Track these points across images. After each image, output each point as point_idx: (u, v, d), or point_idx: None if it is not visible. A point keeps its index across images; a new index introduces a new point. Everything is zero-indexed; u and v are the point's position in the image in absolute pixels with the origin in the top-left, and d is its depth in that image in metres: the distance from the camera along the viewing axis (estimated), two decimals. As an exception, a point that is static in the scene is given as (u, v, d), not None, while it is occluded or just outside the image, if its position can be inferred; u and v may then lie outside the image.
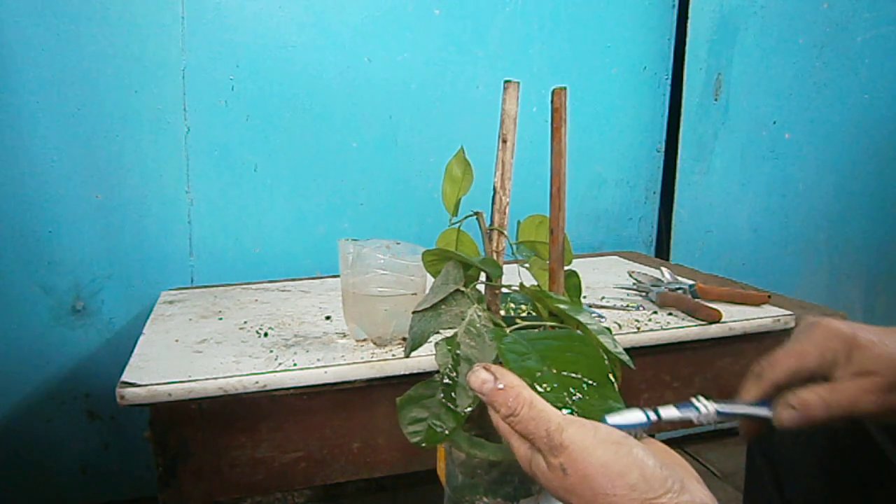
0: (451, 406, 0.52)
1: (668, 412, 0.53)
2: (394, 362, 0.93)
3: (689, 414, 0.53)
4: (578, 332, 0.55)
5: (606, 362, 0.51)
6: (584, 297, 1.10)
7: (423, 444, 0.53)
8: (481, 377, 0.47)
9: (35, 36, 1.25)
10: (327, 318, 1.14)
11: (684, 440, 1.85)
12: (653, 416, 0.51)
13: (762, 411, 0.57)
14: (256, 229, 1.45)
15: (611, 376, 0.50)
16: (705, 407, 0.53)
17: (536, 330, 0.57)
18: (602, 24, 1.58)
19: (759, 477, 0.81)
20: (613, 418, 0.48)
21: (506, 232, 0.63)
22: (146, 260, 1.39)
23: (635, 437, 0.46)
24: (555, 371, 0.49)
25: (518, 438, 0.47)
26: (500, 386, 0.46)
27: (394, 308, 0.96)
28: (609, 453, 0.42)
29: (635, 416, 0.50)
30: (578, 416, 0.46)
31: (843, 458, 0.72)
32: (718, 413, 0.53)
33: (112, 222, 1.36)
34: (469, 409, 0.52)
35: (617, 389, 0.49)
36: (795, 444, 0.76)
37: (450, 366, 0.54)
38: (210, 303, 1.23)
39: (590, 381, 0.49)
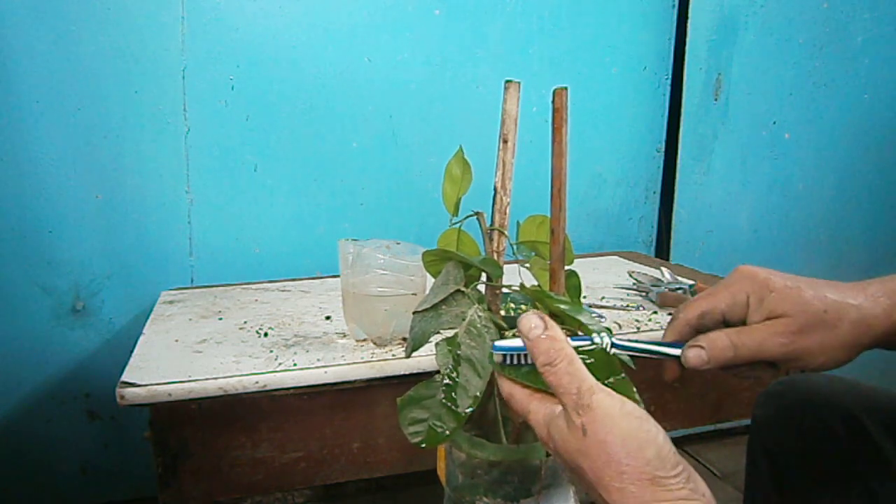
0: (452, 406, 0.52)
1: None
2: (394, 362, 0.93)
3: (582, 343, 0.50)
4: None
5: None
6: (584, 297, 1.10)
7: (424, 445, 0.53)
8: (532, 322, 0.47)
9: (35, 36, 1.25)
10: (327, 318, 1.14)
11: (684, 440, 1.85)
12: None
13: (672, 350, 0.56)
14: (256, 229, 1.45)
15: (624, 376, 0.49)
16: (600, 338, 0.51)
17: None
18: (602, 24, 1.58)
19: (759, 477, 0.81)
20: (501, 342, 0.49)
21: (506, 232, 0.63)
22: (146, 260, 1.39)
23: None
24: None
25: (540, 400, 0.47)
26: (545, 335, 0.46)
27: (394, 308, 0.96)
28: (632, 426, 0.42)
29: (518, 341, 0.49)
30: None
31: (843, 457, 0.72)
32: (614, 345, 0.51)
33: (112, 222, 1.36)
34: (469, 409, 0.52)
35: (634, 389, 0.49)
36: (794, 444, 0.76)
37: (450, 366, 0.54)
38: (210, 303, 1.23)
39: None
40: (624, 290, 1.29)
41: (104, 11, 1.28)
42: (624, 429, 0.42)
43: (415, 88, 1.49)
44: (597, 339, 0.51)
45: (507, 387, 0.50)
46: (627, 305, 1.19)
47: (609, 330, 0.53)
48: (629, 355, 0.54)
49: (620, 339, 0.52)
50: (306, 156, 1.45)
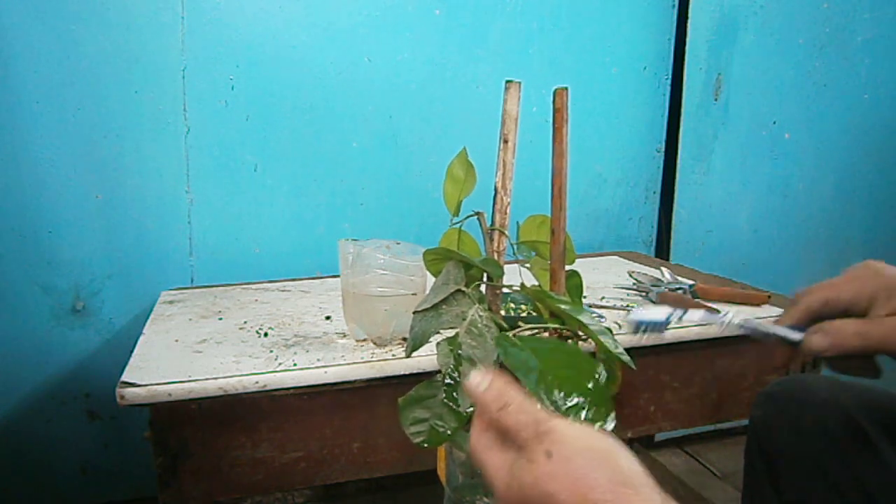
0: (454, 406, 0.52)
1: (694, 315, 0.56)
2: (394, 362, 0.93)
3: (713, 319, 0.56)
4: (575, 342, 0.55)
5: (601, 377, 0.51)
6: (585, 297, 1.10)
7: (426, 445, 0.53)
8: (476, 379, 0.48)
9: (35, 36, 1.25)
10: (327, 318, 1.14)
11: (684, 440, 1.86)
12: (675, 317, 0.54)
13: (792, 334, 0.58)
14: (256, 229, 1.45)
15: (610, 398, 0.50)
16: (727, 317, 0.56)
17: (536, 332, 0.57)
18: (602, 24, 1.58)
19: (756, 478, 0.81)
20: (637, 312, 0.53)
21: (507, 232, 0.63)
22: (146, 260, 1.39)
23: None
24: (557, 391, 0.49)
25: (497, 452, 0.46)
26: (492, 387, 0.47)
27: (394, 308, 0.96)
28: (594, 440, 0.43)
29: (660, 311, 0.54)
30: None
31: (841, 458, 0.72)
32: (741, 327, 0.56)
33: (112, 222, 1.36)
34: (471, 408, 0.52)
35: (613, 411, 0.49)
36: (793, 445, 0.77)
37: (451, 366, 0.54)
38: (210, 303, 1.23)
39: (590, 406, 0.49)
40: (624, 290, 1.29)
41: (104, 11, 1.28)
42: (586, 444, 0.43)
43: (415, 88, 1.49)
44: (724, 318, 0.56)
45: (473, 439, 0.48)
46: (627, 305, 1.19)
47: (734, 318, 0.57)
48: (748, 335, 0.57)
49: (749, 321, 0.57)
50: (306, 156, 1.45)
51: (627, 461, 0.42)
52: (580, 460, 0.41)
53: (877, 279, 0.57)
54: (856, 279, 0.58)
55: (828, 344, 0.56)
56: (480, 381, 0.48)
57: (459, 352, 0.55)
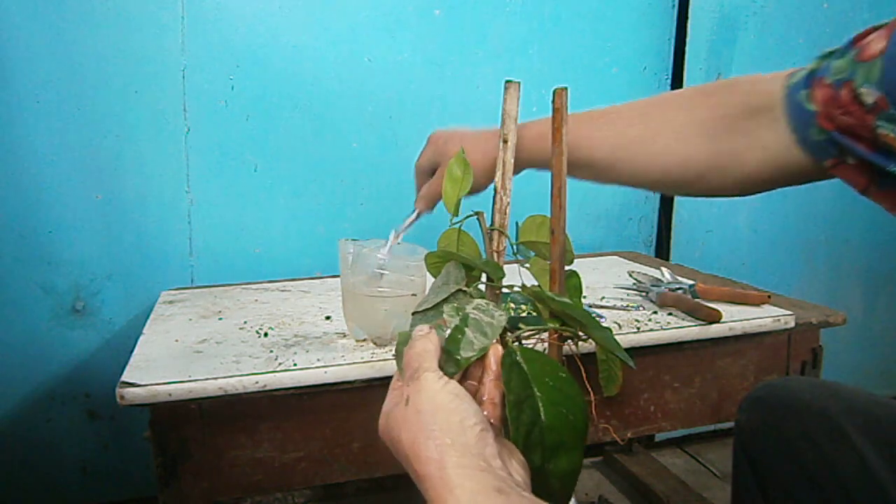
0: (454, 353, 0.52)
1: None
2: (394, 362, 0.93)
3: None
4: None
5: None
6: (584, 297, 1.10)
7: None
8: (420, 327, 0.54)
9: (35, 36, 1.25)
10: (327, 318, 1.14)
11: (684, 440, 1.85)
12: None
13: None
14: (256, 229, 1.45)
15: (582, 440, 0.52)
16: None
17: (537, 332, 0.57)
18: (602, 24, 1.58)
19: (744, 482, 0.82)
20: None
21: (506, 232, 0.64)
22: (146, 260, 1.39)
23: None
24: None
25: (394, 390, 0.52)
26: (422, 334, 0.53)
27: (394, 308, 0.96)
28: (447, 399, 0.46)
29: None
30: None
31: (826, 464, 0.72)
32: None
33: (112, 222, 1.36)
34: (471, 357, 0.53)
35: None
36: (777, 449, 0.77)
37: (458, 323, 0.54)
38: (210, 303, 1.23)
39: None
40: (624, 290, 1.29)
41: (104, 11, 1.28)
42: (439, 401, 0.46)
43: (415, 88, 1.49)
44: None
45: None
46: (627, 305, 1.19)
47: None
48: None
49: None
50: (306, 156, 1.45)
51: (467, 423, 0.45)
52: (427, 415, 0.46)
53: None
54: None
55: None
56: (421, 328, 0.54)
57: (468, 312, 0.55)
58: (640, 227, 1.75)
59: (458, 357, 0.52)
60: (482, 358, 0.53)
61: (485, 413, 0.51)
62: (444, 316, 0.56)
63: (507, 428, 0.51)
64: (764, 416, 0.79)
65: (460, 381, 0.54)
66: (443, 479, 0.43)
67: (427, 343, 0.52)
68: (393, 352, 0.96)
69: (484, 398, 0.52)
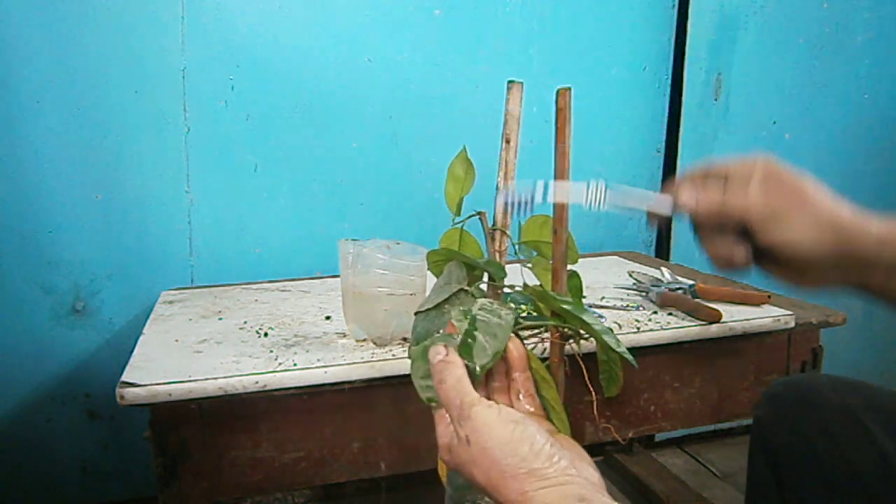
0: (468, 362, 0.52)
1: (559, 188, 0.57)
2: (394, 362, 0.93)
3: (577, 189, 0.56)
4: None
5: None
6: (585, 297, 1.10)
7: (434, 403, 0.53)
8: (436, 350, 0.53)
9: (35, 36, 1.25)
10: (327, 318, 1.14)
11: (684, 440, 1.86)
12: (539, 193, 0.56)
13: (660, 195, 0.59)
14: (256, 229, 1.45)
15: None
16: (596, 181, 0.56)
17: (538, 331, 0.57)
18: (602, 24, 1.58)
19: (761, 478, 0.81)
20: (504, 191, 0.55)
21: (508, 232, 0.63)
22: (146, 260, 1.39)
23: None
24: None
25: (444, 422, 0.52)
26: (444, 359, 0.52)
27: (394, 308, 0.96)
28: (507, 430, 0.47)
29: (526, 186, 0.55)
30: None
31: (843, 457, 0.72)
32: (608, 186, 0.57)
33: (112, 222, 1.36)
34: (486, 364, 0.52)
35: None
36: (796, 445, 0.76)
37: (467, 328, 0.54)
38: (210, 303, 1.23)
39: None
40: (624, 290, 1.29)
41: (104, 11, 1.28)
42: (501, 434, 0.47)
43: (415, 88, 1.49)
44: (592, 183, 0.56)
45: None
46: (627, 305, 1.19)
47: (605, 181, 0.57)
48: (627, 205, 0.58)
49: (617, 188, 0.57)
50: (306, 156, 1.45)
51: (536, 447, 0.46)
52: (494, 451, 0.47)
53: (760, 163, 0.58)
54: (743, 160, 0.59)
55: (695, 200, 0.57)
56: (438, 351, 0.52)
57: (475, 315, 0.55)
58: (640, 227, 1.75)
59: (475, 366, 0.52)
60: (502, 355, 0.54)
61: (530, 409, 0.54)
62: (453, 321, 0.55)
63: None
64: (783, 410, 0.79)
65: (486, 382, 0.55)
66: (527, 502, 0.44)
67: (455, 370, 0.51)
68: (393, 352, 0.96)
69: (521, 395, 0.54)
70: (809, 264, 0.56)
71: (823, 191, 0.57)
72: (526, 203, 0.55)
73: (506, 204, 0.55)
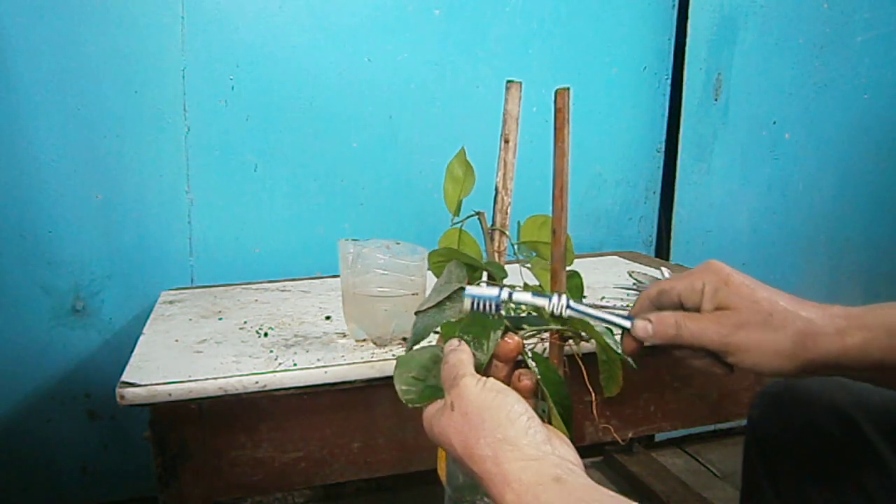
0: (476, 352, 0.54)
1: (521, 296, 0.57)
2: (393, 362, 0.93)
3: (541, 301, 0.56)
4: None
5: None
6: (585, 297, 1.10)
7: (417, 404, 0.54)
8: (452, 343, 0.54)
9: (35, 36, 1.25)
10: (327, 318, 1.14)
11: (684, 440, 1.85)
12: (505, 295, 0.56)
13: (623, 321, 0.59)
14: (256, 229, 1.45)
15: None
16: (559, 299, 0.56)
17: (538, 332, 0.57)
18: (602, 24, 1.58)
19: (755, 477, 0.82)
20: (471, 289, 0.56)
21: (507, 232, 0.63)
22: (146, 260, 1.39)
23: (495, 310, 0.55)
24: None
25: (437, 403, 0.53)
26: (454, 348, 0.54)
27: (394, 308, 0.96)
28: (489, 397, 0.48)
29: (491, 290, 0.56)
30: None
31: (838, 456, 0.72)
32: (570, 307, 0.56)
33: (112, 222, 1.36)
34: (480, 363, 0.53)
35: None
36: (790, 444, 0.77)
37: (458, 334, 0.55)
38: (210, 303, 1.23)
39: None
40: (624, 290, 1.29)
41: (104, 11, 1.28)
42: (482, 400, 0.48)
43: (415, 88, 1.49)
44: (554, 300, 0.56)
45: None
46: (627, 305, 1.19)
47: (568, 293, 0.57)
48: (585, 319, 0.57)
49: (578, 305, 0.57)
50: (306, 156, 1.45)
51: (513, 415, 0.47)
52: (473, 416, 0.48)
53: (709, 275, 0.58)
54: (692, 274, 0.59)
55: (649, 332, 0.57)
56: (453, 343, 0.54)
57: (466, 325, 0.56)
58: (640, 227, 1.75)
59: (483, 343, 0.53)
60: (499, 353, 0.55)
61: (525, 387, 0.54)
62: (444, 330, 0.57)
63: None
64: (777, 410, 0.80)
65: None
66: (500, 474, 0.44)
67: (460, 353, 0.53)
68: (393, 352, 0.96)
69: (517, 382, 0.55)
70: (779, 375, 0.57)
71: (772, 292, 0.58)
72: (488, 305, 0.56)
73: (472, 300, 0.56)
